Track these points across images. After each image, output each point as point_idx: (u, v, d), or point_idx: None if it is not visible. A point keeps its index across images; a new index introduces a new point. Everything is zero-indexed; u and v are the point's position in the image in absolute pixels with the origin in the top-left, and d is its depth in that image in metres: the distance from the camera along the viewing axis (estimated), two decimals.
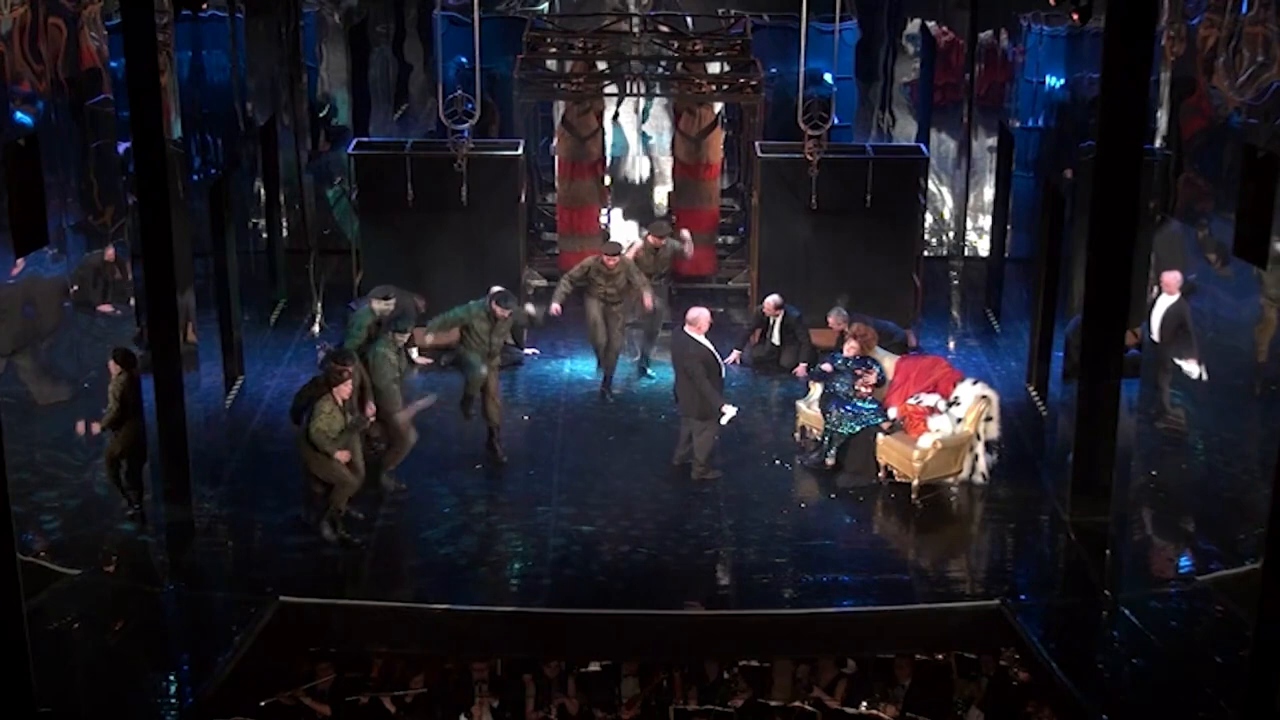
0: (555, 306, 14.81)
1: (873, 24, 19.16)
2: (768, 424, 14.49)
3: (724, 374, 13.32)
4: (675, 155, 17.71)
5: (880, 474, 13.28)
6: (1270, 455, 9.14)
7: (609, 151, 18.43)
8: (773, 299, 15.32)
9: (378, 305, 13.53)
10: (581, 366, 15.63)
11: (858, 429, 13.17)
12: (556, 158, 17.41)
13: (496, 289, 13.65)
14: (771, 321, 15.37)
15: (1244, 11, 9.88)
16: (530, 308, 14.35)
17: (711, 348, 13.11)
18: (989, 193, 18.09)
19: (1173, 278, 11.06)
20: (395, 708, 11.33)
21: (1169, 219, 11.06)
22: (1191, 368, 10.81)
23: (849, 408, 13.23)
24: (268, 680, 11.21)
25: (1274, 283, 9.55)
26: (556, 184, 17.52)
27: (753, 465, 13.64)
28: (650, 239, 15.37)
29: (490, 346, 13.47)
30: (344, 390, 11.94)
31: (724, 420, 13.14)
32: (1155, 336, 11.23)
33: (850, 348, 13.47)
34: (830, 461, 13.39)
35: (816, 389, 13.67)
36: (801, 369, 15.03)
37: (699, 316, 13.12)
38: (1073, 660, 10.91)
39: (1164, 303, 11.16)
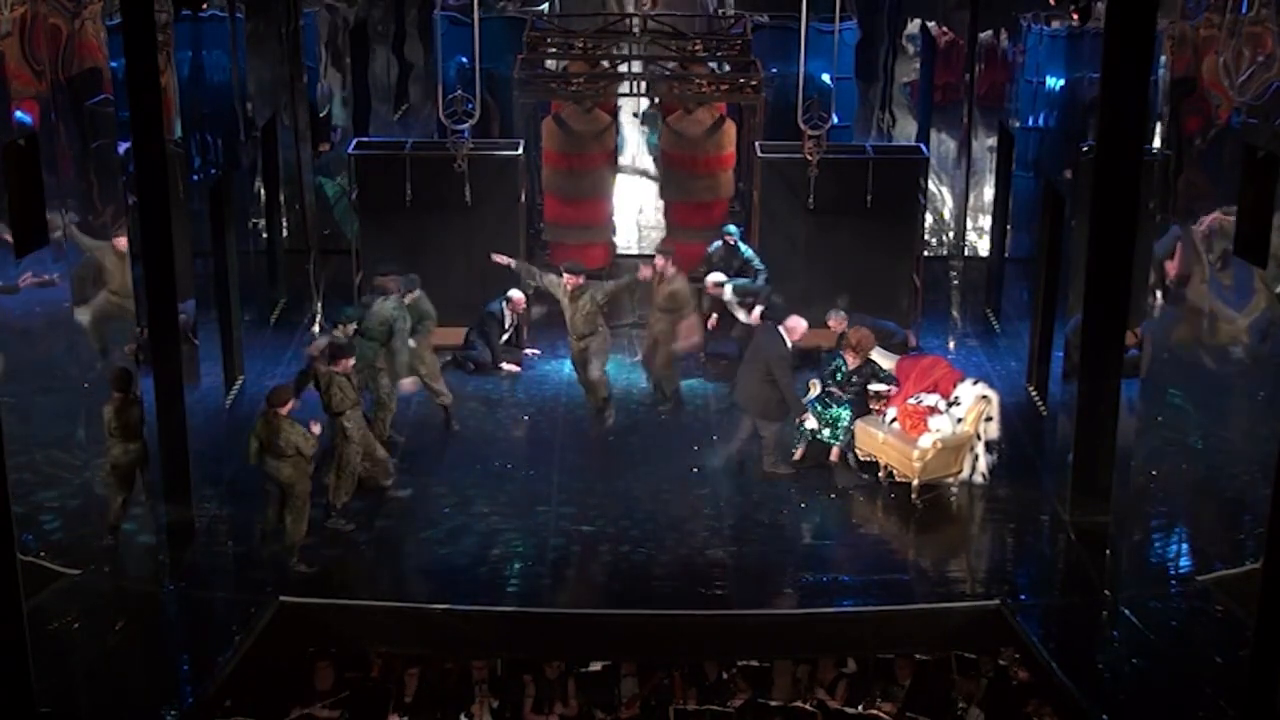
0: (644, 271, 14.75)
1: (873, 24, 19.15)
2: None
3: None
4: (665, 149, 17.72)
5: (880, 473, 13.31)
6: (1270, 455, 9.14)
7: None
8: (712, 277, 15.30)
9: (409, 296, 13.68)
10: None
11: (842, 431, 13.32)
12: (544, 147, 17.40)
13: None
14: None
15: (1244, 11, 9.88)
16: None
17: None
18: (989, 193, 18.08)
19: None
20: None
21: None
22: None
23: (832, 410, 13.32)
24: (268, 680, 11.22)
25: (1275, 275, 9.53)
26: (544, 173, 17.51)
27: (753, 465, 13.62)
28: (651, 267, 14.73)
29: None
30: (292, 404, 11.95)
31: (806, 427, 13.38)
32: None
33: (850, 357, 13.43)
34: (797, 456, 13.50)
35: (815, 389, 13.67)
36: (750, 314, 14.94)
37: (797, 325, 13.38)
38: (1073, 660, 10.91)
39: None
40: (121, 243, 11.49)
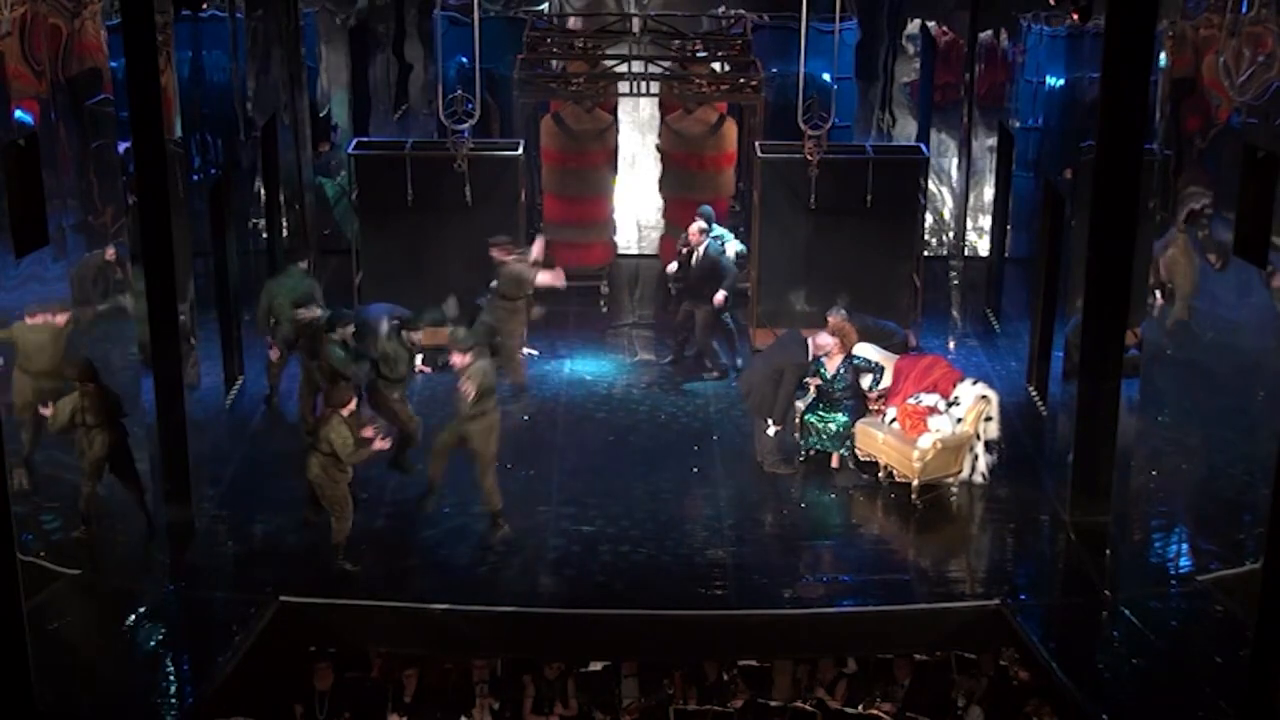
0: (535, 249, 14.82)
1: (873, 24, 19.14)
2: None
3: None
4: (663, 148, 17.70)
5: (880, 473, 13.30)
6: (1270, 455, 9.14)
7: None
8: (697, 225, 15.30)
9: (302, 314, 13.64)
10: (581, 366, 15.64)
11: (837, 439, 13.34)
12: (544, 147, 17.39)
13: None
14: (696, 249, 15.30)
15: (1244, 11, 9.88)
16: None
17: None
18: (989, 193, 18.09)
19: None
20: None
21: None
22: None
23: (821, 413, 13.35)
24: (268, 680, 11.22)
25: None
26: (544, 173, 17.50)
27: (753, 465, 13.63)
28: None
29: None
30: (351, 406, 11.90)
31: (769, 432, 13.36)
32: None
33: (834, 347, 13.37)
34: (802, 457, 13.53)
35: (815, 389, 13.65)
36: (719, 297, 15.00)
37: (825, 343, 13.34)
38: (1073, 660, 10.91)
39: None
40: (39, 319, 10.49)
